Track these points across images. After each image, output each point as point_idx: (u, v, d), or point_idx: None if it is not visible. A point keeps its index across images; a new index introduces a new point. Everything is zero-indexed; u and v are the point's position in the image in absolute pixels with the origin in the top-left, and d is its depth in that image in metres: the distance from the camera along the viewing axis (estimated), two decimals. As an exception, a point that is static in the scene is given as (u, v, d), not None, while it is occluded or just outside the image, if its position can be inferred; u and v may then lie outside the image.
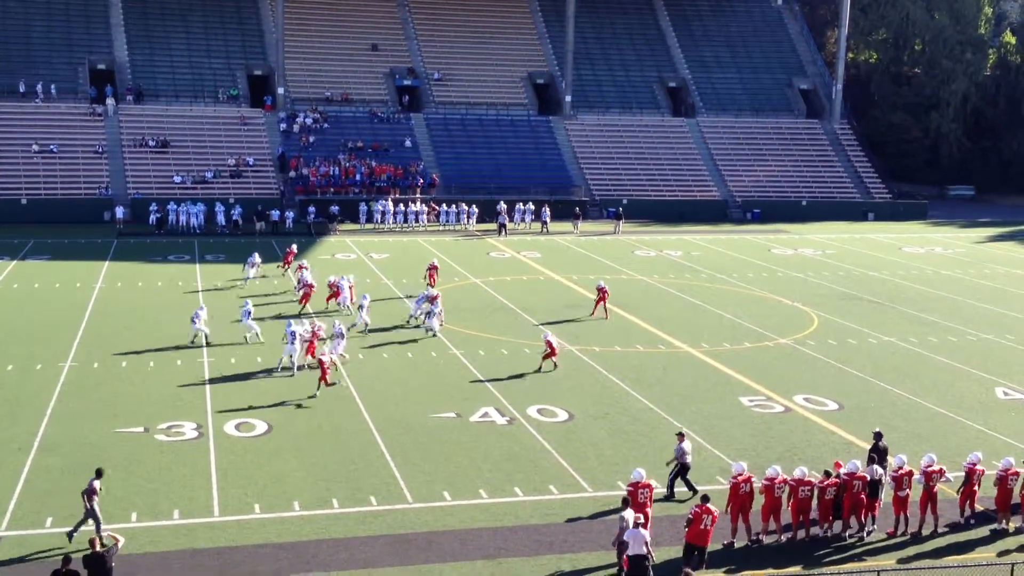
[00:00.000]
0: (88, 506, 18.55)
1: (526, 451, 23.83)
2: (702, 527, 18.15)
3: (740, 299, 42.26)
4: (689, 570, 16.12)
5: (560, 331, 34.57)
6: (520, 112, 75.62)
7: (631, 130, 76.06)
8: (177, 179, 63.53)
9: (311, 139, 68.74)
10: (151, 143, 65.87)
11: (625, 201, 67.69)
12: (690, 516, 18.30)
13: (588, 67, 79.94)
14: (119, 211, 57.92)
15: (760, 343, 34.71)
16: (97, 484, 18.89)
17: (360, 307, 34.76)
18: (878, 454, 21.50)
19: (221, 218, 58.47)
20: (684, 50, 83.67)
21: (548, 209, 62.16)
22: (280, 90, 71.19)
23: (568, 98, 75.83)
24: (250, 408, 26.20)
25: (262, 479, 21.71)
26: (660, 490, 20.62)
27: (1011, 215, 73.38)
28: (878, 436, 22.16)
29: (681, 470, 21.74)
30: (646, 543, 17.38)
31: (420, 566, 18.14)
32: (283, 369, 29.51)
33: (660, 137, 76.07)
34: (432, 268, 42.11)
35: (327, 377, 27.74)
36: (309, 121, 70.21)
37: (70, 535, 18.60)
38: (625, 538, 17.59)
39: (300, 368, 29.55)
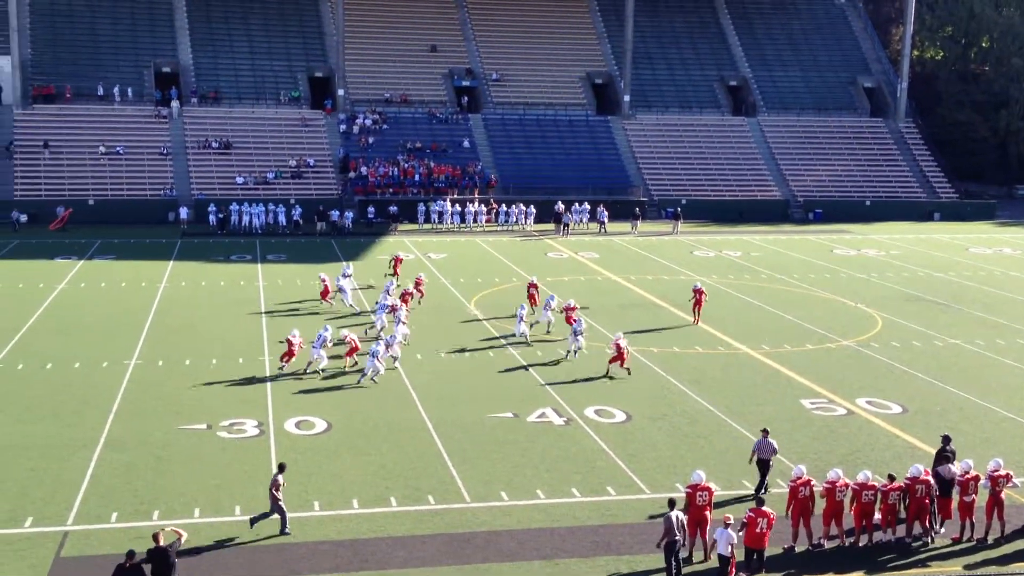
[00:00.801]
0: (274, 499, 19.05)
1: (583, 452, 23.78)
2: (758, 531, 17.94)
3: (801, 300, 41.72)
4: (744, 574, 15.92)
5: (617, 330, 34.39)
6: (578, 112, 75.47)
7: (690, 129, 75.50)
8: (239, 180, 64.48)
9: (370, 140, 69.31)
10: (214, 144, 66.93)
11: (684, 201, 67.20)
12: (745, 520, 18.11)
13: (647, 66, 79.51)
14: (183, 212, 58.95)
15: (822, 345, 34.23)
16: (280, 478, 19.34)
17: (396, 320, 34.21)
18: (945, 458, 21.08)
19: (282, 218, 59.19)
20: (745, 48, 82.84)
21: (606, 210, 61.92)
22: (340, 92, 71.90)
23: (627, 98, 75.50)
24: (310, 403, 26.48)
25: (321, 477, 21.94)
26: (720, 493, 20.41)
27: (1084, 215, 71.65)
28: (946, 440, 21.73)
29: (762, 468, 21.50)
30: (731, 544, 17.40)
31: (478, 565, 18.19)
32: (311, 372, 29.48)
33: (720, 136, 75.39)
34: (397, 260, 42.91)
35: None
36: (368, 122, 70.81)
37: (252, 522, 19.15)
38: (715, 537, 17.63)
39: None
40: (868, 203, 70.03)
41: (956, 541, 19.81)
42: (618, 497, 21.29)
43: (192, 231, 57.06)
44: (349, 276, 39.06)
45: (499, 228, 61.73)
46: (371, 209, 61.50)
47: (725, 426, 25.83)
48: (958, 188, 73.87)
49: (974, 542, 19.76)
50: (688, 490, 19.09)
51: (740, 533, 18.09)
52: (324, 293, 38.46)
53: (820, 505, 19.44)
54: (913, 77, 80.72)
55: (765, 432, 21.97)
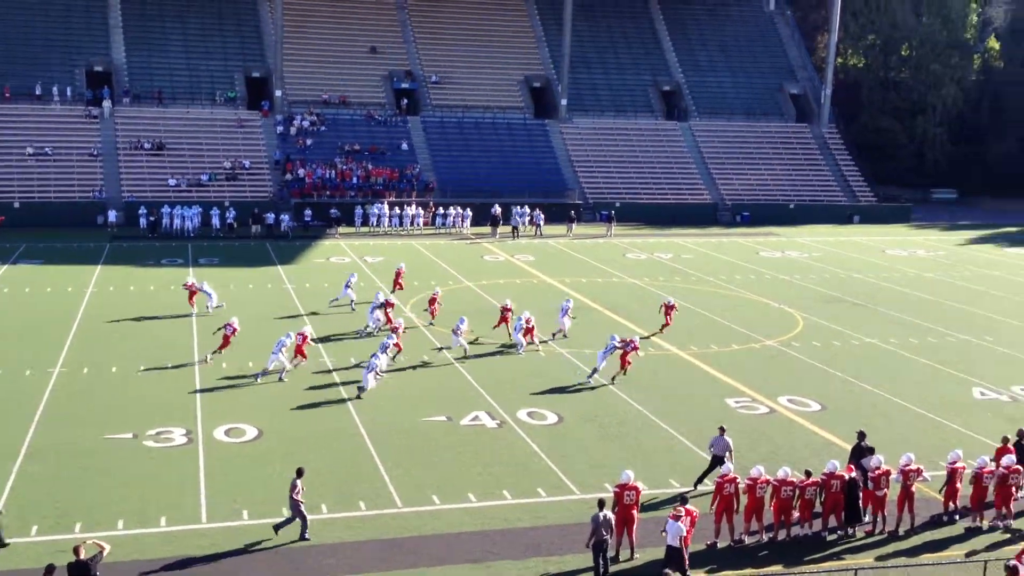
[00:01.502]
0: (295, 504, 19.41)
1: (515, 454, 24.35)
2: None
3: (728, 301, 42.84)
4: (669, 571, 16.63)
5: (549, 333, 35.10)
6: (516, 115, 76.19)
7: (625, 133, 76.66)
8: (172, 182, 64.02)
9: (308, 142, 69.26)
10: (146, 145, 66.33)
11: (618, 204, 68.28)
12: (668, 519, 18.84)
13: (584, 70, 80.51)
14: (112, 215, 58.37)
15: (747, 345, 35.29)
16: (299, 482, 19.59)
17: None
18: (860, 454, 22.10)
19: (216, 221, 58.93)
20: (679, 54, 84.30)
21: (542, 213, 62.68)
22: (278, 92, 71.70)
23: (564, 101, 76.42)
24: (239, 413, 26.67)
25: (251, 485, 21.97)
26: (647, 492, 21.13)
27: (992, 218, 74.09)
28: (861, 436, 22.77)
29: (713, 463, 22.31)
30: (681, 537, 18.12)
31: (408, 571, 18.53)
32: (264, 375, 29.78)
33: (653, 140, 76.68)
34: (398, 273, 41.95)
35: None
36: (306, 124, 70.73)
37: (276, 528, 19.50)
38: (665, 529, 18.32)
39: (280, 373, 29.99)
40: (792, 206, 71.80)
41: (869, 534, 20.79)
42: (549, 498, 21.88)
43: (122, 234, 56.55)
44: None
45: (436, 231, 62.15)
46: (308, 212, 61.52)
47: (654, 426, 26.62)
48: (877, 192, 76.05)
49: (886, 535, 20.75)
50: (616, 489, 19.74)
51: (663, 532, 18.80)
52: (190, 297, 37.63)
53: (745, 502, 20.25)
54: (837, 84, 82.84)
55: (722, 430, 22.88)
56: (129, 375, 29.86)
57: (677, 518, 18.30)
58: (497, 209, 61.98)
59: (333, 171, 66.63)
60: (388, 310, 35.74)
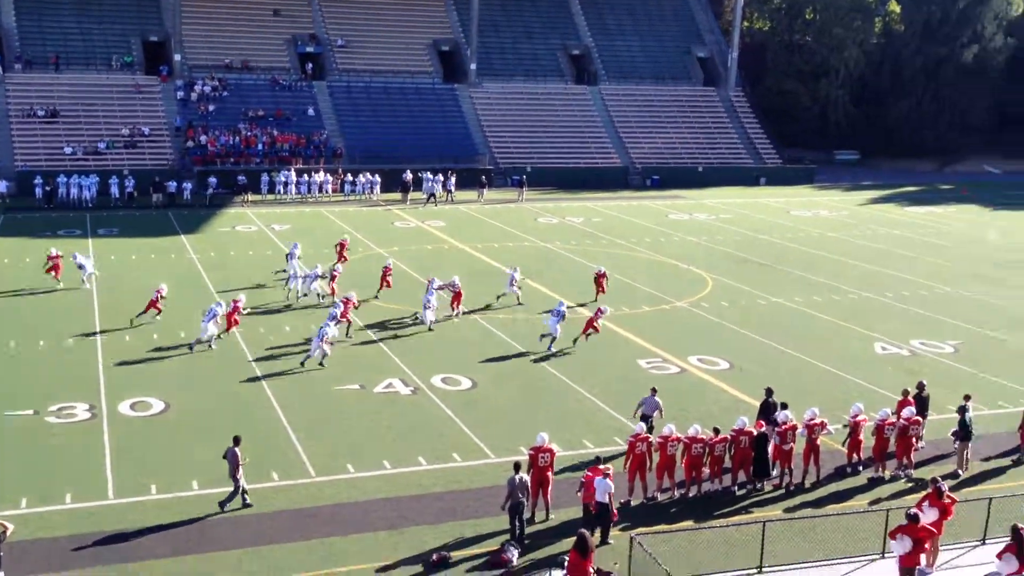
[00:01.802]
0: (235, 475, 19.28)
1: (430, 420, 24.28)
2: (595, 488, 18.86)
3: (639, 264, 43.26)
4: (585, 531, 16.78)
5: (466, 300, 34.98)
6: (425, 80, 75.39)
7: (535, 98, 76.52)
8: (68, 150, 61.87)
9: (210, 108, 67.53)
10: (40, 113, 63.92)
11: (529, 169, 68.22)
12: (582, 480, 19.02)
13: (493, 34, 79.97)
14: (3, 185, 56.28)
15: (658, 306, 35.70)
16: (238, 451, 19.41)
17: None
18: (768, 410, 22.57)
19: (115, 190, 57.19)
20: (587, 18, 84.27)
21: (454, 178, 62.31)
22: (177, 57, 69.63)
23: (473, 66, 75.85)
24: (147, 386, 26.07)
25: (159, 459, 21.56)
26: (562, 454, 21.27)
27: (892, 178, 76.14)
28: (768, 392, 23.25)
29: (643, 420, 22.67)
30: (609, 493, 18.38)
31: (323, 539, 18.41)
32: (198, 343, 29.27)
33: (563, 105, 76.72)
34: (342, 245, 40.93)
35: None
36: (207, 89, 68.92)
37: (221, 505, 19.27)
38: (595, 486, 18.49)
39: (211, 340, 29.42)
40: (701, 169, 72.71)
41: (776, 487, 21.29)
42: (464, 463, 21.89)
43: (16, 205, 54.51)
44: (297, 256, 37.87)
45: (346, 198, 61.36)
46: (213, 180, 60.06)
47: (567, 389, 26.79)
48: (782, 154, 77.49)
49: (793, 487, 21.28)
50: (531, 452, 19.84)
51: (578, 493, 18.96)
52: (54, 269, 36.45)
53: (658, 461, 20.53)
54: (743, 47, 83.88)
55: (653, 390, 23.39)
56: (29, 350, 28.90)
57: (606, 475, 18.57)
58: (408, 175, 61.42)
59: (237, 137, 65.16)
60: (333, 283, 35.25)
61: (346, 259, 40.15)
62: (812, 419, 21.67)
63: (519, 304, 35.33)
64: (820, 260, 44.93)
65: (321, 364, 27.99)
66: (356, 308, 32.49)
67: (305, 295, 35.08)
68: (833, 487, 21.36)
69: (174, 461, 21.48)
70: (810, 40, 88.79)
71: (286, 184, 60.72)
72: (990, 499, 19.06)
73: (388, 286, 36.07)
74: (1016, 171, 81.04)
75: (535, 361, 29.09)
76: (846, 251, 47.10)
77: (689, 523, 19.45)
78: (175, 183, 57.94)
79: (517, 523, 18.54)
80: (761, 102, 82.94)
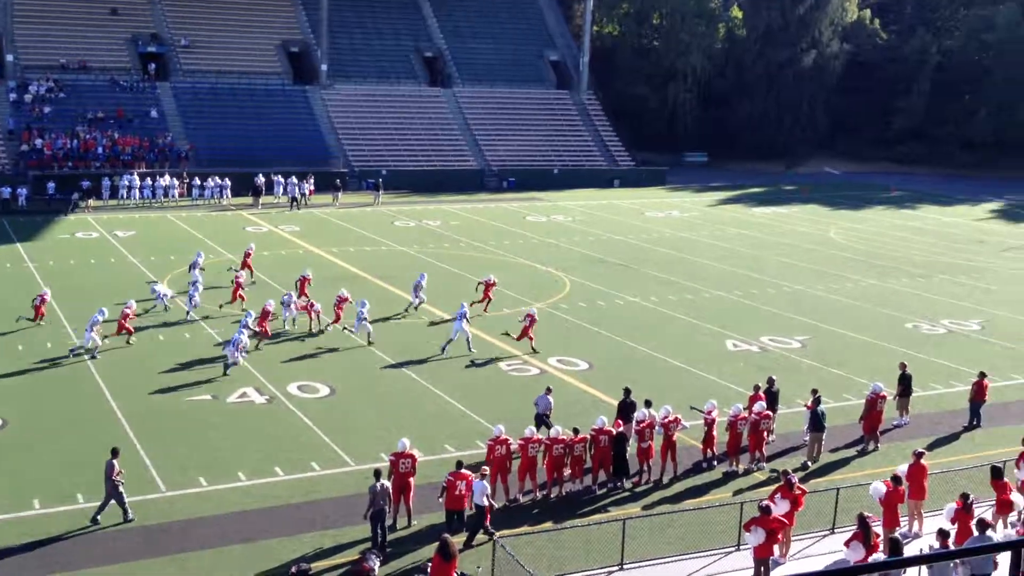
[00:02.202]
0: (113, 486, 18.68)
1: (287, 429, 23.69)
2: (457, 493, 18.74)
3: (498, 266, 43.31)
4: (448, 535, 16.63)
5: (323, 307, 34.29)
6: (275, 81, 73.78)
7: (389, 100, 75.88)
8: None
9: (46, 110, 64.34)
10: None
11: (384, 172, 67.60)
12: (444, 484, 18.87)
13: (344, 35, 78.86)
14: None
15: (517, 308, 35.79)
16: (116, 463, 18.88)
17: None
18: (626, 409, 22.90)
19: (-55, 197, 53.90)
20: (439, 20, 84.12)
21: (308, 182, 61.09)
22: (9, 57, 66.11)
23: (324, 67, 74.66)
24: (-15, 401, 24.57)
25: (-2, 477, 20.41)
26: (424, 459, 21.04)
27: (739, 179, 78.75)
28: (627, 392, 23.59)
29: (537, 421, 22.91)
30: (486, 495, 18.46)
31: (175, 556, 17.73)
32: (82, 351, 28.16)
33: (418, 107, 76.34)
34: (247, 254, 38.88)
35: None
36: (42, 90, 65.66)
37: (94, 518, 18.60)
38: (474, 488, 18.59)
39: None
40: (556, 171, 73.57)
41: (636, 484, 21.60)
42: (323, 472, 21.43)
43: None
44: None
45: (194, 202, 59.44)
46: (51, 184, 57.17)
47: (427, 393, 26.57)
48: (634, 156, 79.11)
49: (651, 484, 21.63)
50: (392, 458, 19.58)
51: (440, 499, 18.79)
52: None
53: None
54: (594, 52, 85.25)
55: (548, 389, 23.79)
56: None
57: (483, 477, 18.62)
58: (260, 179, 59.95)
59: (76, 140, 62.29)
60: (239, 290, 34.38)
61: (251, 268, 38.60)
62: (667, 416, 22.09)
63: (415, 310, 34.77)
64: (674, 260, 46.01)
65: (226, 373, 27.13)
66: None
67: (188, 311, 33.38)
68: (690, 482, 21.82)
69: (13, 479, 20.35)
70: (658, 45, 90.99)
71: (129, 188, 58.39)
72: (838, 489, 19.79)
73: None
74: (855, 172, 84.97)
75: (394, 366, 28.75)
76: (698, 251, 48.39)
77: (551, 524, 19.52)
78: (9, 189, 54.95)
79: (379, 531, 18.25)
80: (613, 105, 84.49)
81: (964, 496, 17.59)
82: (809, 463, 22.82)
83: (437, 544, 16.22)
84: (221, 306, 33.74)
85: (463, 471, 18.92)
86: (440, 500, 18.94)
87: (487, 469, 19.22)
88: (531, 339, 30.37)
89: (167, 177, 60.06)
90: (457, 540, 17.28)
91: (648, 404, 22.75)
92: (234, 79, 72.19)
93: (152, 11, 74.68)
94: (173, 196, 59.42)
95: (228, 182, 60.57)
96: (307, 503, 19.98)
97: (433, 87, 79.12)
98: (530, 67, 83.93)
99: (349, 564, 17.57)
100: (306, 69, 76.62)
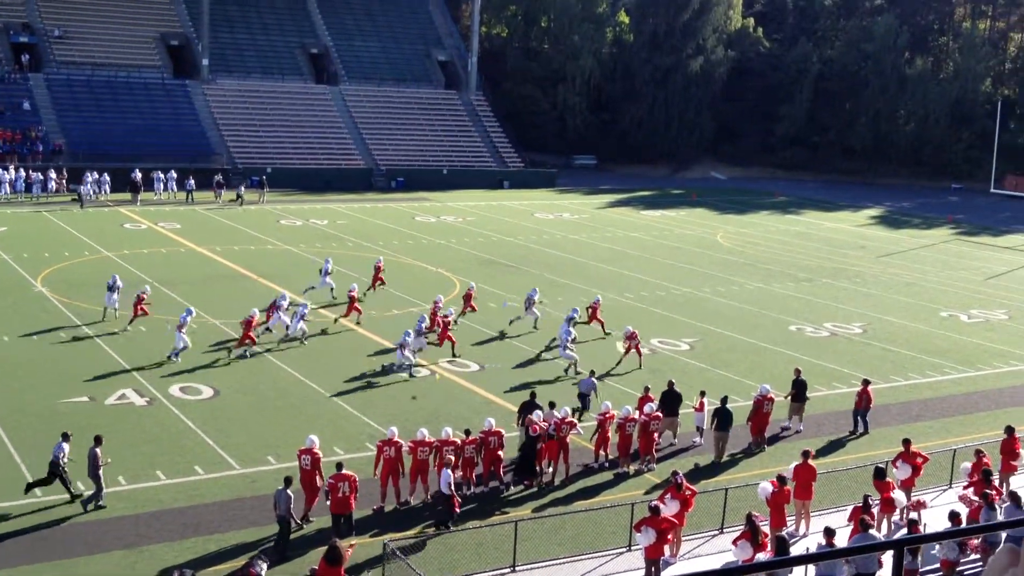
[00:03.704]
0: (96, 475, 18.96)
1: (168, 432, 22.88)
2: (340, 495, 18.37)
3: (387, 267, 42.77)
4: (337, 539, 16.26)
5: (204, 305, 33.29)
6: (153, 75, 71.51)
7: (274, 96, 74.37)
8: None
9: (-93, 99, 61.03)
10: None
11: (269, 169, 66.14)
12: (326, 488, 18.49)
13: (227, 29, 76.96)
14: None
15: (404, 309, 35.44)
16: (99, 451, 19.09)
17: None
18: (529, 410, 22.82)
19: None
20: (325, 16, 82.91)
21: (192, 178, 59.31)
22: None
23: (205, 61, 72.69)
24: None
25: None
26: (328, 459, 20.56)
27: (627, 183, 79.85)
28: (532, 395, 23.60)
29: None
30: (449, 483, 18.79)
31: (57, 562, 16.97)
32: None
33: (304, 104, 75.03)
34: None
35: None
36: (-97, 78, 62.26)
37: (85, 504, 18.87)
38: (441, 478, 19.06)
39: None
40: (446, 172, 73.28)
41: (528, 486, 21.51)
42: (207, 476, 20.77)
43: None
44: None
45: (69, 198, 57.10)
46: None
47: (315, 394, 26.03)
48: (524, 158, 79.43)
49: (543, 485, 21.58)
50: (302, 454, 19.39)
51: (326, 501, 18.37)
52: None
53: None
54: (483, 52, 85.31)
55: (592, 372, 25.78)
56: None
57: (449, 466, 19.07)
58: (137, 174, 57.94)
59: (-58, 131, 59.23)
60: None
61: (383, 280, 37.54)
62: (565, 418, 22.09)
63: (333, 299, 34.80)
64: (565, 262, 46.22)
65: (411, 375, 27.63)
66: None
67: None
68: (581, 484, 21.84)
69: None
70: (547, 47, 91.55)
71: (0, 183, 55.79)
72: (727, 490, 20.08)
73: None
74: (740, 177, 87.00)
75: (282, 367, 28.07)
76: (588, 253, 48.72)
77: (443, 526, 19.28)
78: None
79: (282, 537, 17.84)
80: (502, 106, 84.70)
81: (865, 497, 18.11)
82: (718, 461, 23.12)
83: (326, 549, 15.85)
84: (336, 320, 32.86)
85: (344, 472, 18.62)
86: (327, 504, 18.56)
87: (452, 458, 19.40)
88: (453, 342, 30.20)
89: (40, 172, 57.54)
90: (346, 543, 16.92)
91: (552, 406, 22.75)
92: (111, 71, 69.71)
93: (24, 0, 71.54)
94: (49, 191, 56.99)
95: (107, 177, 58.41)
96: (190, 507, 19.33)
97: (319, 84, 77.92)
98: (418, 66, 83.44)
99: (235, 570, 17.01)
100: (186, 63, 74.53)
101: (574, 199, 69.86)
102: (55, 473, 19.10)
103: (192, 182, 58.83)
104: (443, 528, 18.95)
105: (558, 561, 18.20)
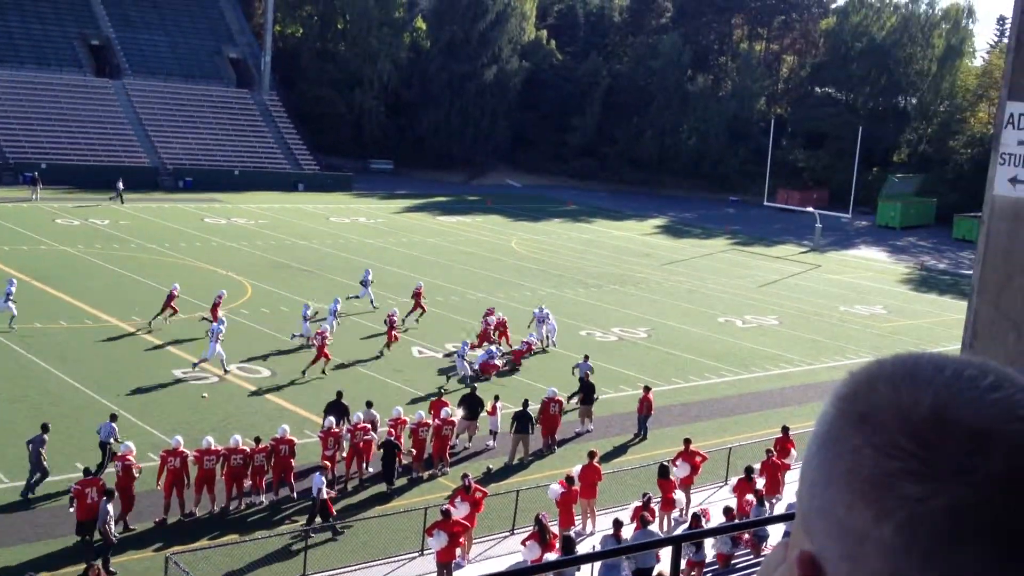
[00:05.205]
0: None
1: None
2: (89, 502, 17.58)
3: (173, 269, 41.17)
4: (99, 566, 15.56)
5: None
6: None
7: (49, 88, 70.18)
8: None
9: None
10: None
11: (44, 165, 62.33)
12: (72, 494, 17.65)
13: (-2, 16, 72.12)
14: None
15: (193, 314, 34.16)
16: (46, 437, 19.25)
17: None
18: (339, 411, 22.60)
19: None
20: (106, 6, 78.94)
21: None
22: None
23: (-27, 49, 67.85)
24: None
25: None
26: (74, 475, 19.50)
27: (424, 188, 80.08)
28: (339, 395, 23.41)
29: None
30: (320, 488, 19.13)
31: None
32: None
33: (83, 98, 71.18)
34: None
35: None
36: None
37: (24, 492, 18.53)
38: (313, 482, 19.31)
39: None
40: (237, 172, 71.23)
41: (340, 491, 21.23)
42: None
43: None
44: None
45: None
46: None
47: (94, 403, 24.70)
48: (319, 161, 78.27)
49: (335, 493, 21.30)
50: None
51: (71, 510, 17.50)
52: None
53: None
54: (277, 52, 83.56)
55: (586, 357, 27.01)
56: None
57: (321, 469, 19.43)
58: None
59: None
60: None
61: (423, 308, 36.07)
62: (357, 423, 21.94)
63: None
64: (360, 266, 45.55)
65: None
66: None
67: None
68: (374, 490, 21.70)
69: None
70: (344, 49, 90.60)
71: None
72: (518, 491, 20.43)
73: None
74: (535, 185, 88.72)
75: (56, 372, 26.48)
76: (385, 257, 48.43)
77: (234, 536, 18.72)
78: None
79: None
80: (297, 108, 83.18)
81: (644, 494, 18.80)
82: (512, 463, 23.44)
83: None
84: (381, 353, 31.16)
85: (92, 477, 17.86)
86: (71, 511, 17.70)
87: (328, 464, 19.63)
88: (393, 340, 30.86)
89: None
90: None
91: (369, 405, 22.94)
92: None
93: None
94: None
95: None
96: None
97: (100, 77, 74.15)
98: (208, 63, 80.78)
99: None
100: (-48, 50, 69.35)
101: (370, 203, 69.43)
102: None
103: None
104: (335, 535, 18.99)
105: (349, 568, 18.00)
